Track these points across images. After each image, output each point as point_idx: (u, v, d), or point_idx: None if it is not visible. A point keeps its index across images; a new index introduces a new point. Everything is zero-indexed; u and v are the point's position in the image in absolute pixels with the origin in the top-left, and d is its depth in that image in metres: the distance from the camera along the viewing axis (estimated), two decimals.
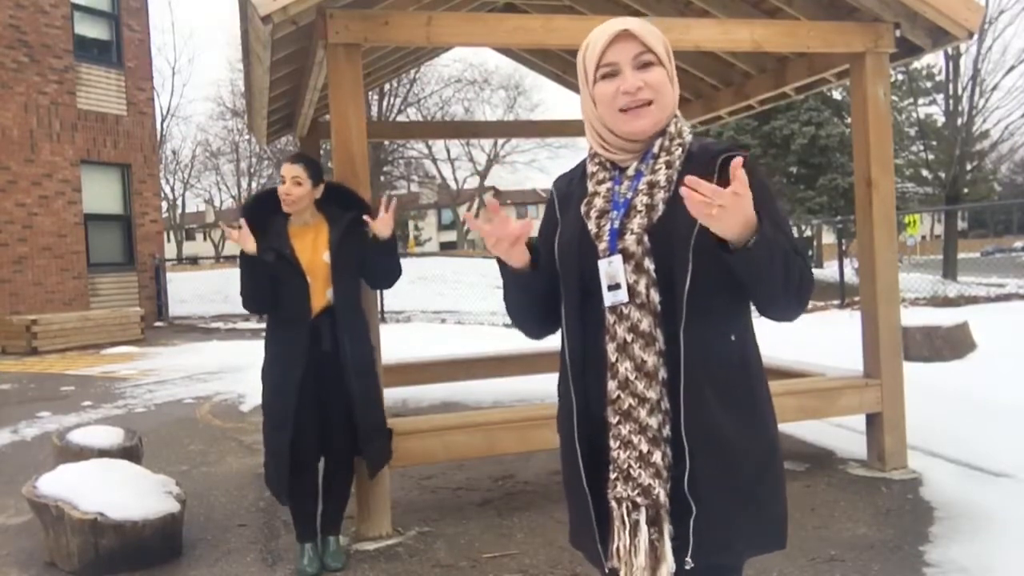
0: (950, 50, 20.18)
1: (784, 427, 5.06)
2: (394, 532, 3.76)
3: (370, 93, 18.50)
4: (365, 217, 3.36)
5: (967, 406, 5.44)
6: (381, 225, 3.31)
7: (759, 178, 1.55)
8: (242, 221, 3.19)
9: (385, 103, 28.82)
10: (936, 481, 4.14)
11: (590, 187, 1.63)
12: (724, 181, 1.47)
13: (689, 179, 1.36)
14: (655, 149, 1.57)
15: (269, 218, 3.31)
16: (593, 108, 1.60)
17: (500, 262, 1.64)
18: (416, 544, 3.67)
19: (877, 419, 4.40)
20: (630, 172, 1.59)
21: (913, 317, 7.59)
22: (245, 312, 15.64)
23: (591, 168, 1.66)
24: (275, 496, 3.43)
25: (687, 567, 1.52)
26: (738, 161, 1.37)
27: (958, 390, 5.87)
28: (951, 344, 7.30)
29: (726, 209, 1.35)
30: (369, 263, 3.39)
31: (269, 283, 3.23)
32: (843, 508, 3.87)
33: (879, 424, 4.39)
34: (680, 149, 1.57)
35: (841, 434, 5.05)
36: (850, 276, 13.35)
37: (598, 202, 1.60)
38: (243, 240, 3.16)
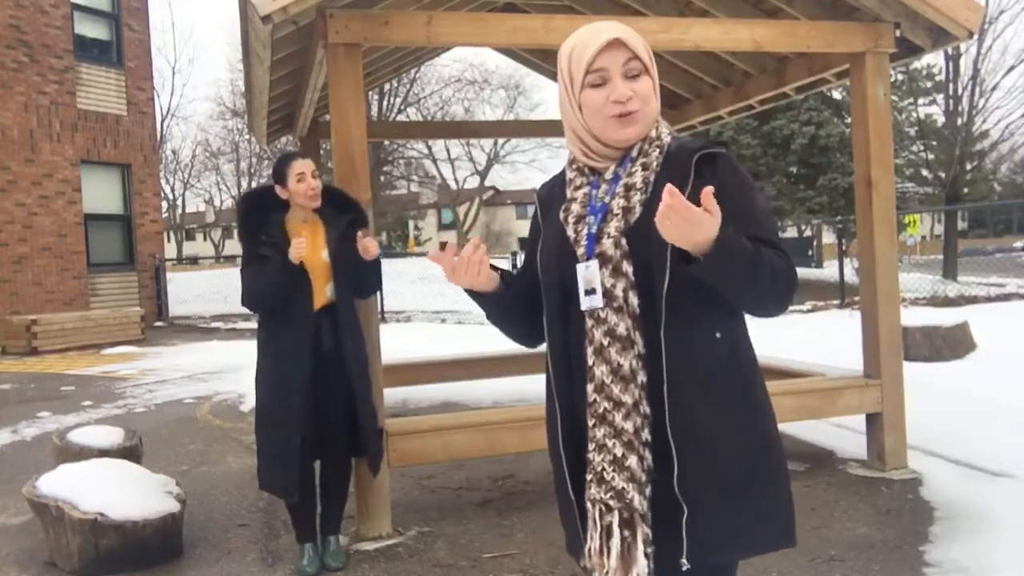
0: (950, 50, 20.17)
1: (784, 427, 5.05)
2: (394, 532, 3.76)
3: (370, 93, 18.49)
4: (359, 233, 3.36)
5: (967, 406, 5.44)
6: (364, 252, 3.28)
7: (739, 173, 1.56)
8: (303, 239, 3.18)
9: (385, 103, 28.81)
10: (936, 481, 4.14)
11: (568, 193, 1.64)
12: (701, 179, 1.48)
13: (669, 188, 1.34)
14: (633, 153, 1.58)
15: (265, 216, 3.32)
16: (577, 114, 1.58)
17: (469, 292, 1.68)
18: (416, 544, 3.66)
19: (877, 419, 4.40)
20: (608, 176, 1.59)
21: (913, 317, 7.59)
22: (245, 312, 15.57)
23: (569, 174, 1.66)
24: (282, 495, 3.39)
25: (684, 568, 1.51)
26: (669, 188, 1.34)
27: (958, 390, 5.87)
28: (951, 344, 7.30)
29: (674, 224, 1.35)
30: (355, 271, 3.40)
31: (290, 282, 3.21)
32: (843, 508, 3.87)
33: (879, 424, 4.39)
34: (658, 151, 1.57)
35: (841, 434, 5.05)
36: (850, 276, 13.34)
37: (575, 208, 1.61)
38: (301, 249, 3.14)
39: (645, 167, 1.55)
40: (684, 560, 1.51)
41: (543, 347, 1.71)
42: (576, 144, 1.62)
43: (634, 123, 1.55)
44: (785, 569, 3.21)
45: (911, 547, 3.38)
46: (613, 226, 1.54)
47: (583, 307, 1.56)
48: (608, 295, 1.53)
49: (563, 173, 1.71)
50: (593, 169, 1.62)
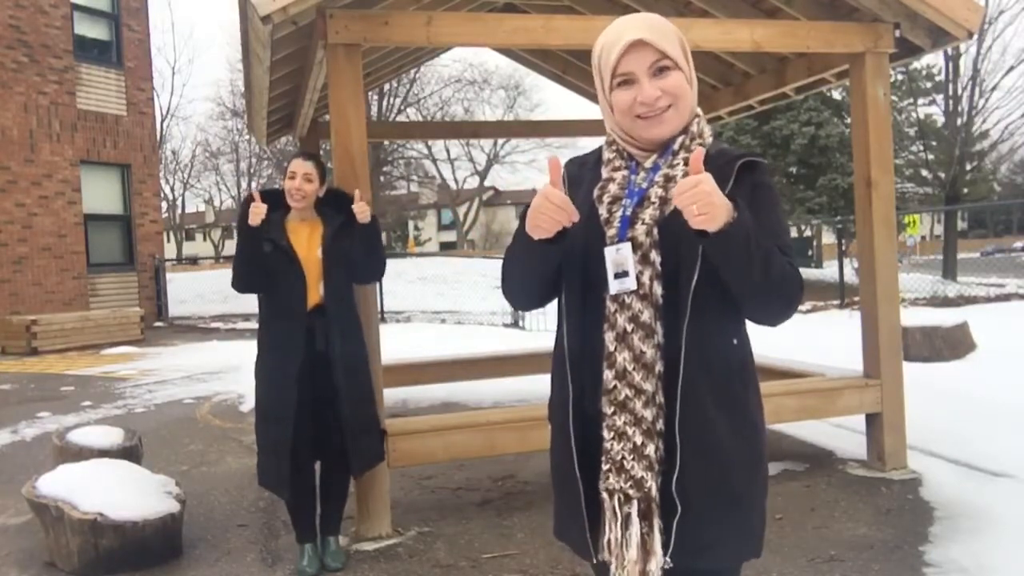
0: (950, 50, 20.16)
1: (784, 427, 5.12)
2: (394, 532, 3.76)
3: (370, 93, 18.49)
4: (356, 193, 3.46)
5: (967, 406, 5.44)
6: (358, 214, 3.38)
7: (772, 186, 1.56)
8: (260, 202, 3.25)
9: (385, 103, 28.79)
10: (936, 481, 4.14)
11: (605, 173, 1.61)
12: (739, 184, 1.49)
13: (695, 156, 1.38)
14: (675, 146, 1.57)
15: (268, 214, 3.35)
16: (611, 114, 1.59)
17: (525, 233, 1.54)
18: (416, 544, 3.66)
19: (877, 419, 4.40)
20: (648, 164, 1.58)
21: (913, 317, 7.59)
22: (245, 312, 15.53)
23: (607, 155, 1.63)
24: (274, 491, 3.43)
25: (666, 567, 1.51)
26: (697, 152, 1.39)
27: (958, 390, 5.87)
28: (951, 344, 7.30)
29: (702, 202, 1.36)
30: (354, 256, 3.44)
31: (263, 261, 3.28)
32: (843, 508, 3.87)
33: (879, 424, 4.39)
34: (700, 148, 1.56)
35: (841, 434, 5.05)
36: (850, 276, 13.35)
37: (612, 188, 1.58)
38: (258, 211, 3.21)
39: (687, 162, 1.53)
40: (667, 559, 1.50)
41: (546, 346, 1.69)
42: (614, 133, 1.62)
43: (663, 122, 1.54)
44: (785, 569, 3.21)
45: (911, 547, 3.38)
46: (648, 213, 1.52)
47: (612, 290, 1.53)
48: (635, 281, 1.52)
49: (596, 152, 1.68)
50: (632, 155, 1.60)
